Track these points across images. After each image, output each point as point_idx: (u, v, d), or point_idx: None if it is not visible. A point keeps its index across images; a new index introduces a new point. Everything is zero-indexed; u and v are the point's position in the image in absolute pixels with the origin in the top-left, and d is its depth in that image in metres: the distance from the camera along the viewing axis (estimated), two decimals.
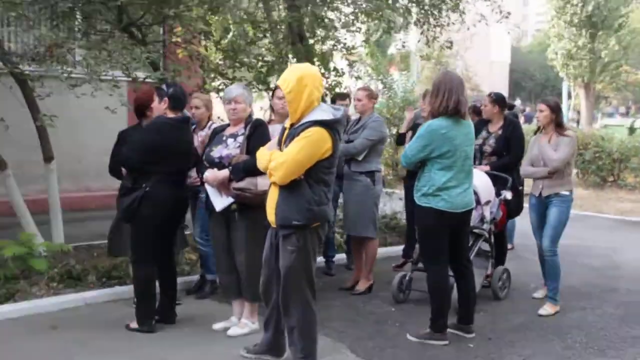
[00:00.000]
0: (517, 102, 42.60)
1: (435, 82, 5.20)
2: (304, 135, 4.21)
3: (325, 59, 8.89)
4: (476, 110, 7.10)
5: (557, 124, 6.04)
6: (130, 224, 5.37)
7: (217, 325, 5.44)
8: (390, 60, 25.59)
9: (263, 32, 9.00)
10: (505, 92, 47.68)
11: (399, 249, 8.46)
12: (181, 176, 5.39)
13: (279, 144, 4.45)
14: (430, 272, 5.26)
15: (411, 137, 7.19)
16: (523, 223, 6.09)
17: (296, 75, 4.31)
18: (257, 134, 5.16)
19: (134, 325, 5.33)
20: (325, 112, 4.30)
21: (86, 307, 6.01)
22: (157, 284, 5.48)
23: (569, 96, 35.53)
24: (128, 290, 6.20)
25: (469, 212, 5.29)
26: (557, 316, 5.99)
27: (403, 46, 11.19)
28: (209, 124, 6.31)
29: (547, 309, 6.02)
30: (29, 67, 7.36)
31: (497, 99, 6.68)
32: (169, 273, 5.57)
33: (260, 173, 4.91)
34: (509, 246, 8.69)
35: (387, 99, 16.06)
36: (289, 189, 4.27)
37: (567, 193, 6.03)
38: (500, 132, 6.58)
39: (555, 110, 6.06)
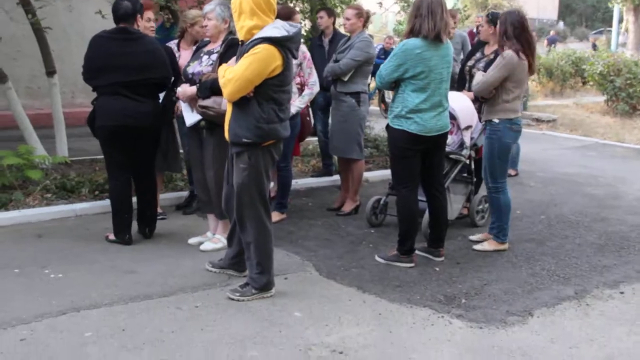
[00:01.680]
0: (560, 25, 41.04)
1: (416, 1, 5.04)
2: (252, 52, 4.20)
3: None
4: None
5: (518, 41, 5.39)
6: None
7: (192, 240, 5.60)
8: None
9: None
10: (554, 15, 45.92)
11: None
12: (136, 89, 5.33)
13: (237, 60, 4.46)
14: (399, 194, 5.28)
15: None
16: (530, 148, 5.83)
17: None
18: (229, 53, 5.13)
19: (112, 236, 5.52)
20: (277, 29, 4.25)
21: (75, 218, 6.24)
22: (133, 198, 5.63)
23: (620, 19, 34.07)
24: None
25: (443, 135, 5.23)
26: (535, 244, 5.97)
27: None
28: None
29: (484, 244, 5.74)
30: None
31: (494, 19, 6.37)
32: (146, 191, 5.67)
33: None
34: (512, 172, 8.63)
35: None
36: (239, 106, 4.31)
37: (496, 121, 5.49)
38: (492, 56, 6.35)
39: (501, 24, 5.46)
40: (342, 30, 7.63)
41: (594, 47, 28.22)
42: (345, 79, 6.54)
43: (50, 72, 7.80)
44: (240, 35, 4.40)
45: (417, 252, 5.40)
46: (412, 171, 5.16)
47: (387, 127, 5.30)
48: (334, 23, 7.91)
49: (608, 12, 38.60)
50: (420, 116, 4.99)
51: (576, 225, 6.62)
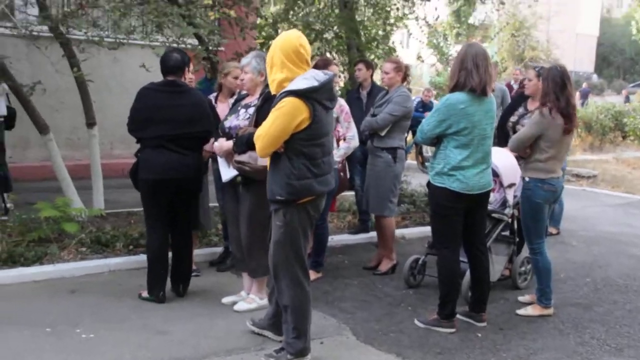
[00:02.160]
0: (594, 78, 40.64)
1: (460, 54, 4.90)
2: (278, 106, 4.11)
3: (368, 29, 8.68)
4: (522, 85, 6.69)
5: (556, 98, 5.19)
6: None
7: (226, 299, 5.47)
8: (471, 32, 24.92)
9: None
10: (591, 68, 45.61)
11: None
12: (179, 142, 5.28)
13: None
14: (440, 255, 5.10)
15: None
16: (570, 205, 5.59)
17: (272, 46, 4.30)
18: (266, 106, 5.02)
19: (145, 294, 5.42)
20: (306, 79, 4.13)
21: (109, 273, 6.16)
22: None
23: None
24: None
25: (486, 194, 5.07)
26: (582, 309, 5.71)
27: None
28: (237, 92, 6.28)
29: (528, 309, 5.50)
30: (66, 29, 7.49)
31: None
32: (183, 247, 5.59)
33: None
34: (554, 231, 8.38)
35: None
36: (273, 162, 4.23)
37: (526, 180, 5.34)
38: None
39: (545, 79, 5.27)
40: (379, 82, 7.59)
41: (627, 99, 27.86)
42: (382, 133, 6.45)
43: (91, 123, 7.85)
44: (272, 89, 4.33)
45: (458, 316, 5.19)
46: (454, 230, 4.99)
47: (428, 184, 5.17)
48: (372, 75, 7.85)
49: None
50: (462, 173, 4.84)
51: (625, 290, 6.34)
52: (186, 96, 5.38)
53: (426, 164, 14.22)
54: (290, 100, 4.07)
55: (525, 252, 6.19)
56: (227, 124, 5.30)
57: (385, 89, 6.85)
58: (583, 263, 7.24)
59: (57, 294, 5.52)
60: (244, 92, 5.94)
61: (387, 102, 6.44)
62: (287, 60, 4.18)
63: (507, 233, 6.16)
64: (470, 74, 4.77)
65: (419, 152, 14.15)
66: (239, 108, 5.34)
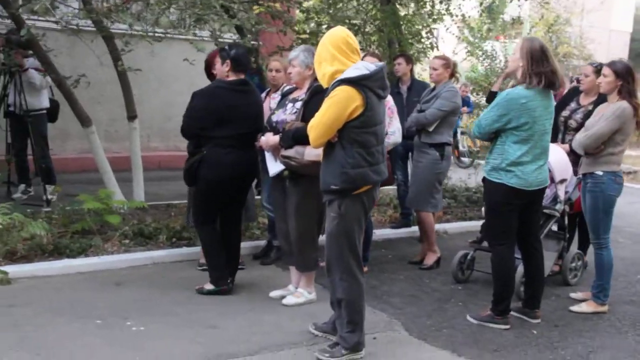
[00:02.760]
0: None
1: (524, 49, 4.70)
2: (330, 95, 4.08)
3: (411, 23, 8.55)
4: (577, 81, 6.54)
5: (629, 93, 5.17)
6: (194, 188, 5.41)
7: (274, 293, 5.39)
8: (502, 28, 24.65)
9: None
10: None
11: (478, 223, 8.10)
12: (244, 140, 5.25)
13: None
14: (495, 251, 4.97)
15: None
16: (620, 203, 5.46)
17: (320, 43, 4.29)
18: (314, 100, 4.96)
19: (209, 286, 5.36)
20: (357, 69, 4.09)
21: (153, 265, 6.13)
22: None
23: None
24: (195, 252, 6.30)
25: (542, 190, 4.94)
26: (637, 307, 5.56)
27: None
28: (282, 86, 6.20)
29: (582, 306, 5.39)
30: (111, 24, 7.47)
31: (622, 71, 6.01)
32: (235, 242, 5.55)
33: None
34: None
35: (485, 68, 15.48)
36: (327, 153, 4.18)
37: (600, 174, 5.21)
38: (591, 107, 6.02)
39: (622, 75, 5.17)
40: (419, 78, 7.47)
41: None
42: (431, 129, 6.34)
43: (132, 116, 7.82)
44: (324, 83, 4.27)
45: (511, 312, 5.07)
46: (509, 227, 4.86)
47: (484, 180, 5.04)
48: (411, 70, 7.73)
49: None
50: (521, 169, 4.71)
51: None
52: (253, 94, 5.41)
53: (461, 158, 14.07)
54: (343, 89, 4.03)
55: (574, 248, 6.09)
56: (274, 118, 5.22)
57: (426, 83, 6.75)
58: (632, 260, 7.07)
59: (102, 286, 5.48)
60: (289, 86, 5.90)
61: (436, 98, 6.33)
62: (337, 52, 4.15)
63: (555, 229, 6.02)
64: (532, 67, 4.63)
65: (455, 147, 13.98)
66: (287, 102, 5.26)
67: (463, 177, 9.62)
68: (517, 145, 4.71)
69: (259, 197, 6.89)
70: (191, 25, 7.38)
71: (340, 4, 8.73)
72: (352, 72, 4.08)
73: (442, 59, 6.55)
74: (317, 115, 4.12)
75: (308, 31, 8.42)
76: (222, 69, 5.29)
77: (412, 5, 8.74)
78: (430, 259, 6.49)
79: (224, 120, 5.16)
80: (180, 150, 11.68)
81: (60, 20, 7.29)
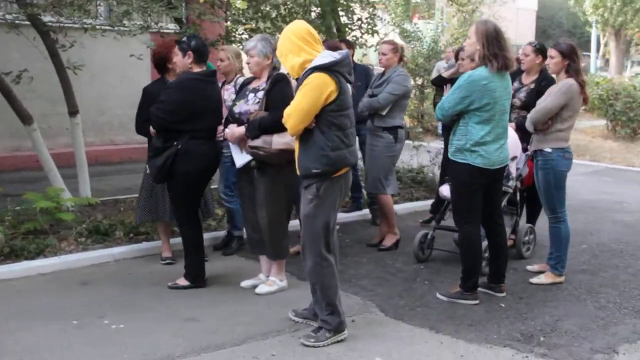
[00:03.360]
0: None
1: (479, 31, 4.87)
2: (305, 82, 4.20)
3: (349, 9, 8.63)
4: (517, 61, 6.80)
5: (575, 71, 5.42)
6: (169, 186, 5.35)
7: (245, 283, 5.41)
8: (414, 8, 25.07)
9: None
10: (531, 40, 46.67)
11: (425, 203, 8.38)
12: (212, 132, 5.29)
13: None
14: (462, 230, 5.15)
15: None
16: (575, 178, 5.72)
17: (282, 37, 4.40)
18: (276, 89, 5.03)
19: (184, 282, 5.32)
20: (324, 57, 4.24)
21: (115, 263, 6.02)
22: None
23: (598, 44, 34.67)
24: (156, 246, 6.24)
25: (503, 168, 5.15)
26: (590, 275, 5.89)
27: None
28: (236, 77, 6.18)
29: (541, 277, 5.62)
30: (51, 17, 7.22)
31: (541, 49, 6.20)
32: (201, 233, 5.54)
33: (277, 130, 4.88)
34: None
35: (411, 49, 15.75)
36: (304, 138, 4.28)
37: (549, 150, 5.44)
38: (533, 85, 6.28)
39: (568, 55, 5.40)
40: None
41: None
42: (384, 113, 6.46)
43: (73, 111, 7.61)
44: (293, 74, 4.38)
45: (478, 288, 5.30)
46: (475, 206, 5.04)
47: (448, 160, 5.20)
48: (352, 55, 7.83)
49: (583, 37, 39.25)
50: (484, 149, 4.89)
51: (621, 254, 6.56)
52: (217, 85, 5.45)
53: None
54: (316, 75, 4.18)
55: (523, 221, 6.39)
56: (236, 109, 5.21)
57: (367, 67, 6.83)
58: (575, 231, 7.32)
59: (69, 287, 5.36)
60: (242, 77, 5.91)
61: (387, 82, 6.45)
62: (303, 43, 4.28)
63: (510, 205, 6.28)
64: (489, 49, 4.80)
65: None
66: (247, 93, 5.25)
67: (405, 159, 9.82)
68: (479, 125, 4.88)
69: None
70: (122, 15, 7.19)
71: None
72: (322, 59, 4.22)
73: (391, 44, 6.67)
74: (293, 103, 4.21)
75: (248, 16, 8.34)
76: (184, 61, 5.22)
77: None
78: (389, 241, 6.64)
79: (198, 113, 5.13)
80: (116, 144, 11.54)
81: None
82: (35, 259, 5.81)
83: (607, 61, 35.59)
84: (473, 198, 5.02)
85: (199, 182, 5.33)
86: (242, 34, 8.68)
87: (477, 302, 5.10)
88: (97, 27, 7.05)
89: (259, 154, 4.97)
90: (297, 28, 4.37)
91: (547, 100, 5.42)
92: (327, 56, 4.26)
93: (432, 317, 4.86)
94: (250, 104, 5.14)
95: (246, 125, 5.03)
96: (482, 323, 4.75)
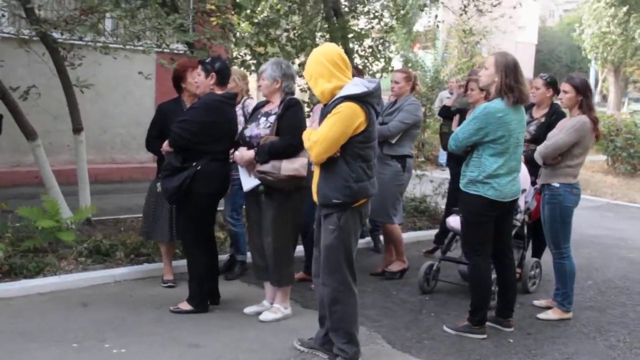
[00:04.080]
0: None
1: (502, 62, 4.80)
2: (335, 111, 4.12)
3: (361, 37, 8.63)
4: None
5: (588, 107, 5.38)
6: (181, 207, 5.24)
7: (249, 309, 5.31)
8: (414, 38, 25.15)
9: (295, 4, 8.75)
10: (530, 73, 46.98)
11: (428, 233, 8.33)
12: (227, 154, 5.23)
13: (320, 122, 4.34)
14: (472, 262, 5.07)
15: (459, 122, 7.00)
16: (577, 212, 5.66)
17: (313, 58, 4.31)
18: (288, 114, 4.98)
19: (187, 307, 5.21)
20: (356, 86, 4.17)
21: (115, 284, 5.91)
22: None
23: (596, 80, 34.91)
24: (156, 268, 6.16)
25: (515, 201, 5.09)
26: (598, 312, 5.81)
27: (437, 22, 10.60)
28: (243, 99, 6.14)
29: (549, 313, 5.54)
30: (61, 35, 7.18)
31: (552, 82, 6.19)
32: (213, 252, 5.45)
33: (287, 156, 4.84)
34: None
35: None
36: (327, 167, 4.19)
37: (556, 185, 5.40)
38: (543, 119, 6.24)
39: (582, 90, 5.37)
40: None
41: None
42: (393, 141, 6.42)
43: (77, 129, 7.53)
44: (322, 100, 4.31)
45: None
46: (486, 238, 4.97)
47: (455, 191, 5.14)
48: None
49: (581, 71, 39.57)
50: (497, 181, 4.83)
51: (628, 292, 6.48)
52: (235, 108, 5.43)
53: None
54: (347, 105, 4.09)
55: (539, 257, 6.32)
56: (247, 132, 5.14)
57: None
58: (580, 266, 7.22)
59: (69, 308, 5.25)
60: (248, 99, 5.86)
61: (398, 111, 6.42)
62: (334, 68, 4.20)
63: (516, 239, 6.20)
64: (506, 82, 4.76)
65: None
66: (259, 116, 5.19)
67: (408, 188, 9.76)
68: (493, 158, 4.83)
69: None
70: (134, 35, 7.17)
71: (288, 17, 8.71)
72: (354, 88, 4.14)
73: (404, 72, 6.66)
74: (322, 130, 4.12)
75: (255, 40, 8.33)
76: (206, 82, 5.17)
77: (363, 18, 8.80)
78: (396, 266, 6.55)
79: (220, 135, 5.09)
80: (117, 162, 11.46)
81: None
82: (35, 278, 5.70)
83: (604, 97, 35.84)
84: (484, 230, 4.95)
85: (214, 204, 5.27)
86: (250, 58, 8.65)
87: (484, 336, 5.00)
88: (109, 45, 6.97)
89: (267, 179, 4.91)
90: (330, 51, 4.28)
91: (558, 136, 5.37)
92: (359, 85, 4.19)
93: (439, 350, 4.76)
94: (261, 128, 5.08)
95: (256, 149, 4.97)
96: (491, 358, 4.66)
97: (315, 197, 4.31)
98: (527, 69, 46.05)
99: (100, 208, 8.15)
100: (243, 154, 5.07)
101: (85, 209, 7.12)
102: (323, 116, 4.23)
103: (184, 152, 5.08)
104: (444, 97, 14.20)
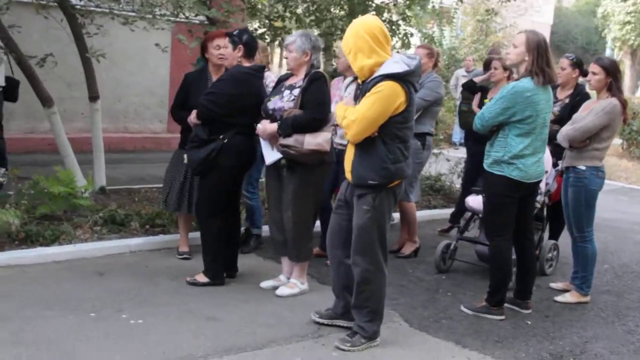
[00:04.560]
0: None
1: (534, 41, 4.68)
2: (375, 90, 4.00)
3: (381, 10, 8.50)
4: None
5: (618, 89, 5.31)
6: (204, 177, 5.19)
7: (265, 284, 5.28)
8: (432, 14, 24.87)
9: None
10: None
11: (443, 212, 8.29)
12: (253, 127, 5.14)
13: (355, 99, 4.26)
14: (494, 243, 5.00)
15: (480, 100, 6.91)
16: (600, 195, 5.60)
17: (353, 31, 4.12)
18: (312, 87, 4.89)
19: (203, 279, 5.19)
20: (397, 63, 4.04)
21: (130, 254, 5.89)
22: None
23: None
24: (173, 239, 6.12)
25: (539, 182, 5.02)
26: (615, 296, 5.77)
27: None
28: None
29: (567, 296, 5.50)
30: (79, 0, 7.10)
31: (578, 63, 6.08)
32: (235, 224, 5.45)
33: (310, 130, 4.77)
34: None
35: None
36: (363, 147, 4.10)
37: (582, 168, 5.33)
38: (567, 100, 6.15)
39: (612, 72, 5.29)
40: None
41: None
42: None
43: (94, 96, 7.48)
44: (361, 76, 4.20)
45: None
46: (508, 219, 4.91)
47: (473, 170, 5.06)
48: None
49: (596, 53, 39.10)
50: (522, 162, 4.75)
51: None
52: (263, 81, 5.34)
53: None
54: (388, 84, 3.98)
55: (556, 239, 6.26)
56: (270, 105, 5.06)
57: None
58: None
59: (85, 277, 5.23)
60: (270, 72, 5.76)
61: (420, 87, 6.30)
62: (375, 44, 4.07)
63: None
64: (538, 62, 4.66)
65: None
66: (283, 89, 5.10)
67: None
68: (519, 138, 4.74)
69: None
70: (152, 5, 7.06)
71: None
72: (395, 66, 4.02)
73: (426, 49, 6.55)
74: (360, 109, 4.02)
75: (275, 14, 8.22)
76: (234, 54, 5.11)
77: None
78: (408, 249, 6.52)
79: (247, 108, 5.04)
80: (130, 132, 11.42)
81: None
82: (50, 246, 5.68)
83: None
84: (507, 211, 4.88)
85: (238, 177, 5.26)
86: (265, 31, 8.53)
87: (503, 317, 4.97)
88: (128, 14, 6.89)
89: (290, 153, 4.84)
90: (370, 25, 4.11)
91: (587, 119, 5.27)
92: (399, 62, 4.06)
93: (457, 330, 4.73)
94: (285, 101, 5.00)
95: (279, 122, 4.90)
96: (510, 340, 4.62)
97: (348, 176, 4.24)
98: None
99: (113, 177, 8.18)
100: (266, 126, 5.00)
101: (98, 178, 7.10)
102: (362, 93, 4.12)
103: (210, 124, 5.03)
104: (460, 75, 14.09)
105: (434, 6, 22.63)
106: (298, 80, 5.07)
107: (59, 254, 5.60)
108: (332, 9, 8.57)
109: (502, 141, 4.80)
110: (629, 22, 26.84)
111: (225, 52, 5.20)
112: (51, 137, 7.60)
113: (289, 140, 4.82)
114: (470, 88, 7.26)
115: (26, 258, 5.43)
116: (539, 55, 4.64)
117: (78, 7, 7.16)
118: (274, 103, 5.06)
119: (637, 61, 29.22)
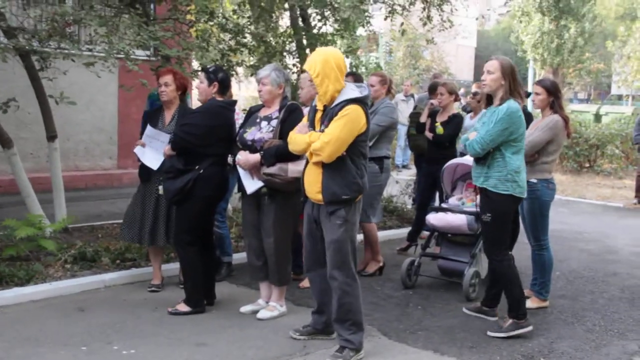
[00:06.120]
0: (473, 87, 42.88)
1: (507, 66, 4.98)
2: (343, 113, 4.37)
3: (327, 43, 8.85)
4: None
5: (559, 106, 5.69)
6: (180, 207, 5.36)
7: (245, 309, 5.45)
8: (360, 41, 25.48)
9: (265, 13, 8.91)
10: (470, 76, 47.68)
11: (399, 232, 8.61)
12: (225, 158, 5.37)
13: (312, 125, 4.58)
14: (499, 260, 5.15)
15: (430, 124, 7.30)
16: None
17: (322, 58, 4.48)
18: (291, 118, 5.15)
19: (185, 308, 5.33)
20: (354, 90, 4.47)
21: (105, 289, 5.96)
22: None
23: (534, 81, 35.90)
24: (144, 272, 6.24)
25: None
26: (570, 300, 6.16)
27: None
28: None
29: (527, 302, 5.51)
30: (37, 44, 7.15)
31: (552, 88, 5.82)
32: (210, 253, 5.62)
33: (292, 159, 4.98)
34: None
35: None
36: (333, 166, 4.42)
37: (534, 181, 5.59)
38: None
39: (553, 92, 5.67)
40: None
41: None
42: (370, 144, 6.63)
43: (52, 136, 7.52)
44: (323, 100, 4.51)
45: (467, 311, 5.54)
46: (508, 234, 5.24)
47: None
48: None
49: (519, 74, 40.68)
50: (520, 178, 5.05)
51: (593, 281, 6.87)
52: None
53: None
54: (353, 107, 4.39)
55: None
56: (248, 137, 5.25)
57: None
58: None
59: (66, 313, 5.29)
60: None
61: (374, 114, 6.61)
62: (339, 73, 4.49)
63: None
64: (515, 85, 5.00)
65: None
66: (258, 120, 5.32)
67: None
68: (515, 155, 5.03)
69: None
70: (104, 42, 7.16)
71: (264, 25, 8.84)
72: (355, 92, 4.44)
73: (379, 76, 6.88)
74: (333, 131, 4.34)
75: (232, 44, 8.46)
76: (208, 90, 5.39)
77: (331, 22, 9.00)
78: (372, 267, 6.79)
79: (223, 139, 5.27)
80: (81, 169, 11.37)
81: None
82: (25, 286, 5.70)
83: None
84: (508, 226, 5.19)
85: (212, 206, 5.48)
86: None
87: (532, 327, 5.15)
88: (83, 52, 6.98)
89: (275, 181, 5.06)
90: (338, 56, 4.56)
91: (534, 135, 5.68)
92: (356, 89, 4.50)
93: (434, 339, 5.01)
94: (265, 132, 5.21)
95: (261, 152, 5.12)
96: (483, 345, 4.93)
97: (317, 197, 4.50)
98: (466, 71, 47.21)
99: (71, 215, 8.15)
100: (248, 157, 5.18)
101: (65, 217, 7.14)
102: (328, 117, 4.42)
103: (185, 155, 5.25)
104: (399, 100, 14.57)
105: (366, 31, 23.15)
106: (273, 111, 5.30)
107: (35, 292, 5.63)
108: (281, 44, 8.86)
109: (500, 161, 5.03)
110: (540, 43, 28.13)
111: (200, 87, 5.43)
112: (5, 178, 7.55)
113: (273, 169, 5.04)
114: (421, 129, 7.57)
115: (3, 299, 5.45)
116: (514, 79, 5.02)
117: (27, 47, 7.18)
118: (252, 134, 5.26)
119: (559, 80, 30.59)
